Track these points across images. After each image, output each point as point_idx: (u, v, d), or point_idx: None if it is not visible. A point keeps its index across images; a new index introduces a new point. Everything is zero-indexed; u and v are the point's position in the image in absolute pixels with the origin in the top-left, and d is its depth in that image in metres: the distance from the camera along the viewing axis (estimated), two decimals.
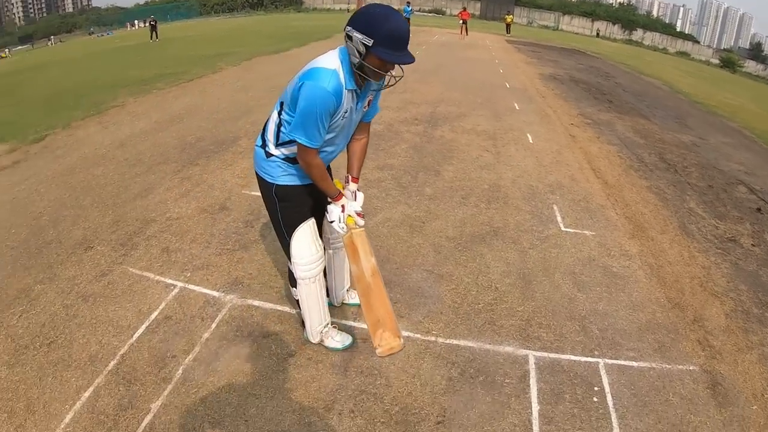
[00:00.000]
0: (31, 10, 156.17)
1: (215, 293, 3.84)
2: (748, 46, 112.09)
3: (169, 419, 2.88)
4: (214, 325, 3.52)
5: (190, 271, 4.09)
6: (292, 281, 3.14)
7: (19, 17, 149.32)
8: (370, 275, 2.88)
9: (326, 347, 3.34)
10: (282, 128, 2.61)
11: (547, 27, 68.86)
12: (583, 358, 3.33)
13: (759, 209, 6.51)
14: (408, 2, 33.79)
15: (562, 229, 4.98)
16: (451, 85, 12.77)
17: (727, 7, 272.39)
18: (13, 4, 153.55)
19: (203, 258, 4.27)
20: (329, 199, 2.82)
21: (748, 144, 11.38)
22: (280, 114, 2.64)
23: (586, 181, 6.45)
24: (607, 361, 3.31)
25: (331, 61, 2.44)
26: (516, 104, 10.88)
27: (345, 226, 2.84)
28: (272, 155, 2.68)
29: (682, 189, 6.79)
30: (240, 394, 3.03)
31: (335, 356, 3.28)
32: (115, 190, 5.63)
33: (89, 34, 61.00)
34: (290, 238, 2.89)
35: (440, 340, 3.42)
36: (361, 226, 2.86)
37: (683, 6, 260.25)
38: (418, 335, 3.46)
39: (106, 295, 3.81)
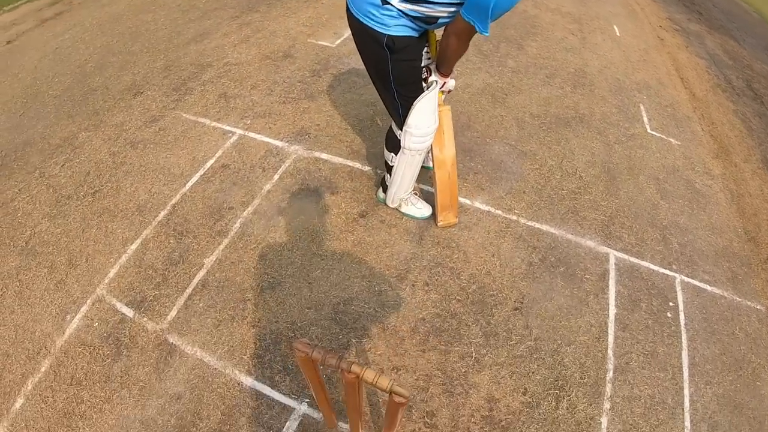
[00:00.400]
0: None
1: (278, 143, 3.60)
2: None
3: (224, 276, 2.74)
4: (276, 177, 3.32)
5: (251, 119, 3.84)
6: (392, 146, 2.83)
7: None
8: (451, 164, 2.79)
9: (402, 213, 3.14)
10: None
11: None
12: (662, 270, 3.16)
13: None
14: None
15: (648, 130, 4.60)
16: None
17: None
18: None
19: (265, 105, 3.98)
20: (434, 70, 2.59)
21: None
22: None
23: (673, 87, 5.94)
24: (683, 278, 3.15)
25: None
26: None
27: (434, 94, 2.59)
28: (390, 4, 2.24)
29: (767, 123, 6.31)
30: (304, 254, 2.87)
31: (411, 223, 3.09)
32: (167, 35, 5.21)
33: None
34: (404, 103, 2.57)
35: (522, 220, 3.23)
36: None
37: None
38: (500, 212, 3.25)
39: (157, 141, 3.61)
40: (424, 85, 2.58)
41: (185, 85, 4.25)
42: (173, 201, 3.11)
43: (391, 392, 1.40)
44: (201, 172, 3.33)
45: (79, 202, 3.12)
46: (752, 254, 3.58)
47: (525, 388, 2.49)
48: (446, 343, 2.59)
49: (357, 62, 4.61)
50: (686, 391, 2.61)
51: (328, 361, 1.42)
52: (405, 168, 2.81)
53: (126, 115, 3.88)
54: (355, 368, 1.41)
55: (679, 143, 4.61)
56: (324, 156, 3.51)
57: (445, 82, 2.61)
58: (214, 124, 3.76)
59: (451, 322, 2.67)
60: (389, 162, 2.88)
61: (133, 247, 2.87)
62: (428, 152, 2.97)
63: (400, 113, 2.59)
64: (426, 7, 2.19)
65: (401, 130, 2.63)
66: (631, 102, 5.01)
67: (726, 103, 6.25)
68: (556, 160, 3.76)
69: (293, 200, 3.15)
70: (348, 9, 2.39)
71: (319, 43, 5.00)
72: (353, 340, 2.56)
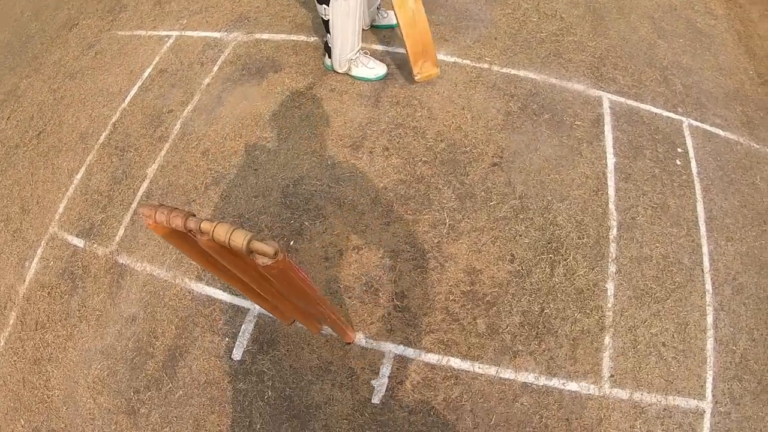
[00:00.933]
0: None
1: (216, 34, 3.43)
2: None
3: (167, 182, 2.67)
4: (216, 68, 3.18)
5: (186, 18, 3.64)
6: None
7: None
8: (413, 1, 2.42)
9: (353, 77, 2.84)
10: None
11: None
12: (665, 113, 2.75)
13: None
14: None
15: None
16: None
17: None
18: None
19: (201, 1, 3.74)
20: None
21: None
22: None
23: None
24: (692, 122, 2.75)
25: None
26: None
27: None
28: None
29: None
30: (248, 139, 2.73)
31: (364, 86, 2.79)
32: None
33: None
34: None
35: (495, 68, 2.79)
36: None
37: None
38: (467, 61, 2.82)
39: (95, 66, 3.48)
40: None
41: (120, 3, 4.03)
42: (113, 119, 3.04)
43: (251, 252, 1.07)
44: (139, 83, 3.21)
45: (25, 149, 3.07)
46: None
47: (512, 255, 2.14)
48: (414, 212, 2.26)
49: None
50: (705, 249, 2.29)
51: (173, 222, 1.11)
52: (342, 19, 2.48)
53: (63, 51, 3.71)
54: (204, 225, 1.08)
55: None
56: (265, 36, 3.30)
57: None
58: (149, 33, 3.60)
59: (418, 187, 2.33)
60: (324, 17, 2.52)
61: (79, 176, 2.83)
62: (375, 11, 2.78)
63: None
64: None
65: None
66: None
67: None
68: (532, 2, 3.21)
69: (234, 88, 3.01)
70: None
71: None
72: (306, 223, 2.34)
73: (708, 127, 2.74)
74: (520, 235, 2.15)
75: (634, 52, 3.03)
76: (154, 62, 3.33)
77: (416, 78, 2.56)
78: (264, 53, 3.15)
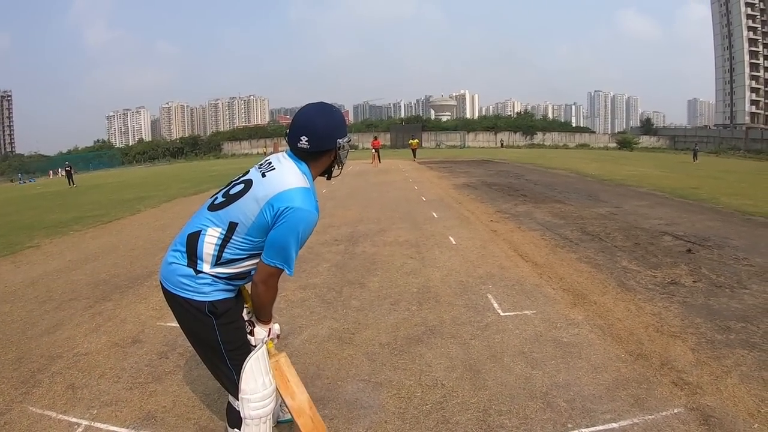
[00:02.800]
0: None
1: (124, 430, 3.47)
2: (639, 124, 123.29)
3: None
4: None
5: (97, 408, 3.73)
6: (233, 421, 2.63)
7: None
8: (310, 408, 2.63)
9: None
10: (227, 249, 2.33)
11: (454, 146, 75.10)
12: None
13: (689, 250, 6.65)
14: None
15: (501, 314, 4.71)
16: (368, 206, 13.02)
17: (614, 95, 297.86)
18: None
19: (112, 393, 3.91)
20: (255, 321, 2.59)
21: (662, 201, 12.38)
22: (228, 236, 2.35)
23: (515, 267, 6.32)
24: (583, 431, 2.94)
25: (299, 178, 2.34)
26: (434, 213, 11.01)
27: (263, 348, 2.57)
28: (203, 273, 2.33)
29: (611, 252, 6.84)
30: None
31: None
32: (21, 326, 5.35)
33: (11, 181, 63.24)
34: (238, 369, 2.46)
35: None
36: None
37: (574, 104, 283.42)
38: None
39: None
40: (252, 339, 2.56)
41: (34, 377, 4.20)
42: None
43: None
44: None
45: None
46: (645, 369, 3.55)
47: None
48: None
49: None
50: None
51: None
52: None
53: None
54: None
55: (535, 311, 4.73)
56: None
57: (269, 329, 2.58)
58: (60, 416, 3.61)
59: None
60: None
61: None
62: (279, 408, 2.88)
63: (235, 380, 2.46)
64: (238, 267, 2.33)
65: (238, 399, 2.49)
66: (478, 296, 5.21)
67: (568, 255, 6.73)
68: (414, 378, 3.63)
69: None
70: (162, 285, 2.42)
71: (168, 324, 5.05)
72: None
73: (601, 427, 2.92)
74: None
75: (514, 392, 3.33)
76: None
77: None
78: None
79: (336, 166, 2.53)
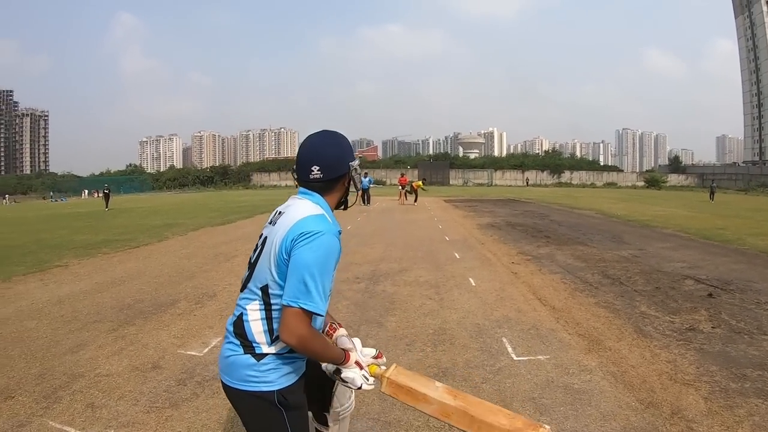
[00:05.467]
0: None
1: None
2: (667, 162, 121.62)
3: None
4: None
5: (114, 428, 3.84)
6: None
7: None
8: (452, 398, 2.18)
9: None
10: (274, 319, 2.08)
11: (481, 184, 74.89)
12: None
13: (710, 294, 6.59)
14: (366, 173, 32.29)
15: (515, 358, 4.75)
16: (392, 244, 13.14)
17: (642, 133, 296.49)
18: None
19: (130, 415, 4.04)
20: (336, 368, 2.27)
21: (686, 243, 12.23)
22: (267, 302, 2.11)
23: (533, 310, 6.35)
24: None
25: (312, 207, 2.13)
26: (456, 254, 11.10)
27: (373, 380, 2.28)
28: (266, 355, 2.08)
29: (630, 297, 6.82)
30: None
31: None
32: (46, 343, 5.55)
33: (43, 198, 65.18)
34: None
35: None
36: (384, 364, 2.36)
37: (602, 141, 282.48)
38: None
39: None
40: (351, 386, 2.26)
41: (56, 393, 4.35)
42: None
43: None
44: None
45: None
46: (655, 418, 3.55)
47: None
48: None
49: None
50: None
51: None
52: None
53: None
54: None
55: (548, 356, 4.76)
56: None
57: (354, 360, 2.29)
58: None
59: None
60: None
61: None
62: None
63: None
64: None
65: None
66: (494, 339, 5.26)
67: (586, 300, 6.73)
68: (422, 419, 3.68)
69: None
70: (223, 383, 2.14)
71: (188, 353, 5.21)
72: None
73: None
74: None
75: None
76: None
77: None
78: None
79: (351, 194, 2.31)
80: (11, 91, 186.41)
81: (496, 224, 17.87)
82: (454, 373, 4.46)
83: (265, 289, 2.08)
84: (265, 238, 2.16)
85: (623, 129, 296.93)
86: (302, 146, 2.24)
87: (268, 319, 2.06)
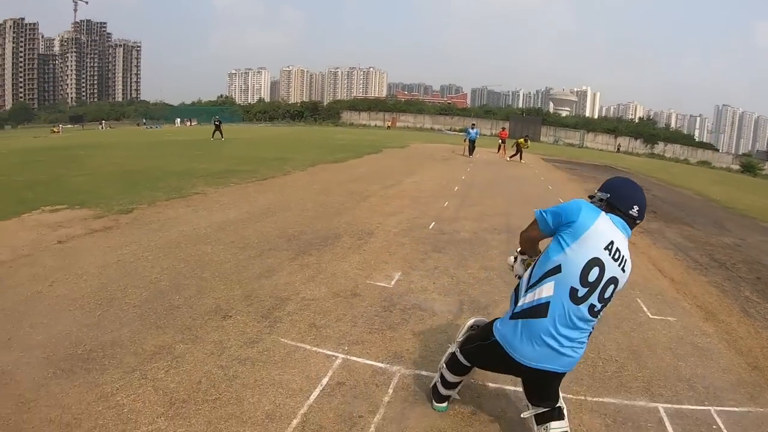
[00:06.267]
0: (84, 94, 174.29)
1: (380, 364, 3.97)
2: (765, 148, 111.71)
3: None
4: (391, 390, 3.64)
5: (347, 345, 4.22)
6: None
7: (72, 98, 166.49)
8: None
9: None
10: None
11: (572, 144, 70.61)
12: (699, 407, 4.11)
13: None
14: (473, 125, 32.32)
15: (650, 316, 5.99)
16: (511, 199, 13.86)
17: (743, 112, 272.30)
18: (67, 84, 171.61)
19: (355, 335, 4.41)
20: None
21: None
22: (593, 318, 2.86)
23: (656, 279, 7.57)
24: (716, 408, 4.11)
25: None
26: None
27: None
28: (583, 326, 2.85)
29: (736, 282, 7.91)
30: None
31: (517, 414, 3.55)
32: (233, 268, 5.91)
33: (137, 125, 66.29)
34: None
35: (588, 398, 4.00)
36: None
37: (700, 116, 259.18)
38: (570, 395, 3.91)
39: (265, 360, 3.89)
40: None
41: (272, 314, 4.63)
42: (302, 410, 3.30)
43: None
44: (320, 388, 3.57)
45: (198, 407, 3.25)
46: (759, 377, 4.60)
47: None
48: None
49: (417, 299, 5.46)
50: None
51: None
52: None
53: (221, 334, 4.20)
54: None
55: (676, 319, 6.00)
56: (424, 372, 3.92)
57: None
58: (315, 349, 4.09)
59: None
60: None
61: None
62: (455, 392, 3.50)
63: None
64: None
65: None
66: (630, 299, 6.54)
67: (699, 278, 7.89)
68: (595, 352, 4.93)
69: (414, 407, 3.49)
70: (547, 371, 2.85)
71: (377, 284, 5.78)
72: None
73: (728, 408, 4.07)
74: None
75: (667, 374, 4.56)
76: (329, 374, 3.73)
77: None
78: (428, 387, 3.66)
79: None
80: (104, 23, 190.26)
81: None
82: (608, 322, 5.59)
83: (591, 308, 2.81)
84: (614, 278, 2.82)
85: (723, 105, 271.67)
86: (634, 188, 2.89)
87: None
